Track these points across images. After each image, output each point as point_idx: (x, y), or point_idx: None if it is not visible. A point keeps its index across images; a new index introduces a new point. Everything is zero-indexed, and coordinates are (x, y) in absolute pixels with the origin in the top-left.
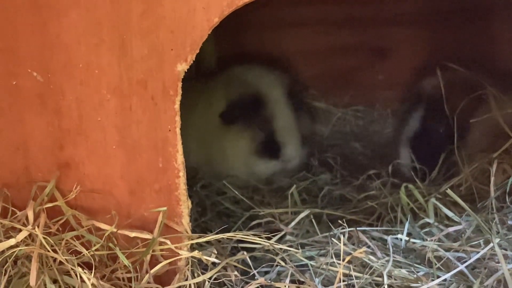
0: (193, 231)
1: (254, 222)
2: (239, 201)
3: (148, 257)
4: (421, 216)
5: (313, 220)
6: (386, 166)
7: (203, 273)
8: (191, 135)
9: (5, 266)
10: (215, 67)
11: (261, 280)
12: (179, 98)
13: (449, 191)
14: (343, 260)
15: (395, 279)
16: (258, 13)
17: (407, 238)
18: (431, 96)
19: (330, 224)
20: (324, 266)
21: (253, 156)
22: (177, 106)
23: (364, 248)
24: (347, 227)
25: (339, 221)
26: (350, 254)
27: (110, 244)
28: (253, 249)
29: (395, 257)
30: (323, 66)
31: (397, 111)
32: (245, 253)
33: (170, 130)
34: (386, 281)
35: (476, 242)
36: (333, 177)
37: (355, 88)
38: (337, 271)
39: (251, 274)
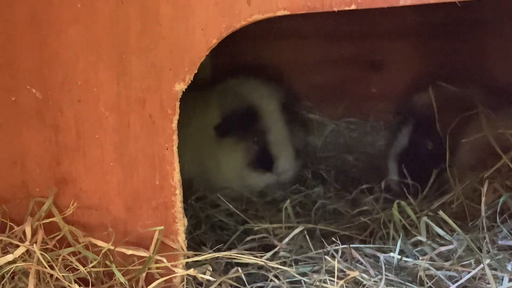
0: (188, 244)
1: (248, 238)
2: (233, 213)
3: (144, 274)
4: (413, 233)
5: (307, 236)
6: (379, 179)
7: None
8: (185, 147)
9: (2, 282)
10: (210, 78)
11: None
12: (176, 117)
13: (441, 213)
14: (338, 278)
15: None
16: (253, 25)
17: (399, 257)
18: (423, 111)
19: (324, 241)
20: (318, 283)
21: (247, 169)
22: (174, 124)
23: (357, 273)
24: (340, 244)
25: (333, 238)
26: (343, 271)
27: (107, 262)
28: (247, 264)
29: (387, 275)
30: (317, 78)
31: (389, 125)
32: (239, 269)
33: (167, 148)
34: None
35: (467, 261)
36: (326, 190)
37: (348, 100)
38: None
39: None
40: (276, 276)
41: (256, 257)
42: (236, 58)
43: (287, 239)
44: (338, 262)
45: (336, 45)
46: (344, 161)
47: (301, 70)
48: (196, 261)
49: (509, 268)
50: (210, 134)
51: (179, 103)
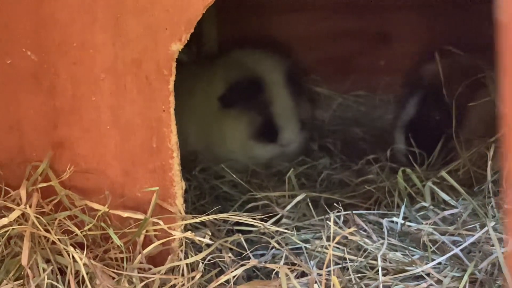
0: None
1: (250, 205)
2: (237, 185)
3: (142, 237)
4: (418, 200)
5: (310, 204)
6: (385, 151)
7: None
8: (191, 119)
9: None
10: (217, 51)
11: (254, 261)
12: (173, 78)
13: (444, 174)
14: (334, 240)
15: (389, 262)
16: None
17: (402, 221)
18: (431, 82)
19: (327, 208)
20: (319, 249)
21: (251, 140)
22: (171, 86)
23: (354, 228)
24: (342, 210)
25: (335, 205)
26: (345, 237)
27: (103, 224)
28: (249, 232)
29: (390, 241)
30: (324, 51)
31: (398, 97)
32: (240, 235)
33: (164, 111)
34: (380, 263)
35: (472, 226)
36: (332, 162)
37: (356, 73)
38: (332, 254)
39: (245, 256)
40: (277, 242)
41: (255, 219)
42: (244, 32)
43: (289, 206)
44: (340, 227)
45: (344, 18)
46: (352, 134)
47: (309, 43)
48: (198, 228)
49: None
50: (216, 106)
51: (175, 63)
